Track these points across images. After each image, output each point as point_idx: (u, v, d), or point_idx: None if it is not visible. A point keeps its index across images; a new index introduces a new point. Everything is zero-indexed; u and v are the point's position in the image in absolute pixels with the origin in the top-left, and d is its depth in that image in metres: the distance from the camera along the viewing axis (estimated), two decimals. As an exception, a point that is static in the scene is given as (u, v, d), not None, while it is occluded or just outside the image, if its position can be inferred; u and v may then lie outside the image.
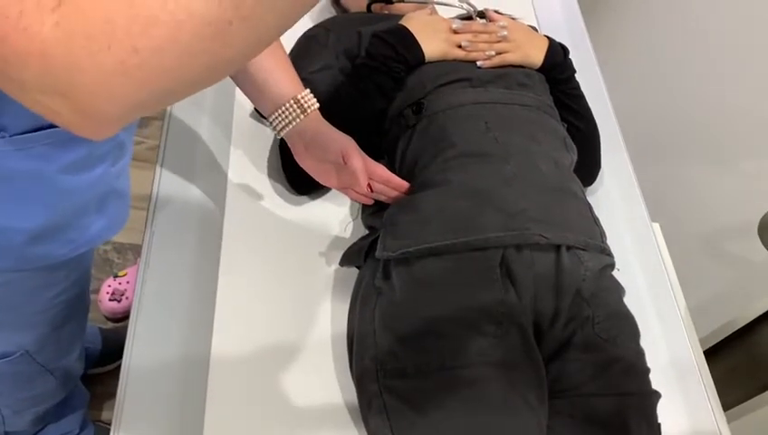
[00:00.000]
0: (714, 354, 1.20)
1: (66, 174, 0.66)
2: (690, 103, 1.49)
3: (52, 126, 0.60)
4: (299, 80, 0.90)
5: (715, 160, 1.41)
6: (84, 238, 0.77)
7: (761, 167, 1.28)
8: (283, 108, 0.87)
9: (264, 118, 0.92)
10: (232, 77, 0.90)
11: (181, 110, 1.10)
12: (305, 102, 0.88)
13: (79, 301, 0.96)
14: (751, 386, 1.06)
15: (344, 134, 0.90)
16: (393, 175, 0.92)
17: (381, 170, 0.91)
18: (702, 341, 1.10)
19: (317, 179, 0.94)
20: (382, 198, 0.94)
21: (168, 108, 1.08)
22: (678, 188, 1.51)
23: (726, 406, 1.06)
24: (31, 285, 0.82)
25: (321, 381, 0.86)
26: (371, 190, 0.91)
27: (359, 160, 0.87)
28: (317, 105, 0.90)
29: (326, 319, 0.92)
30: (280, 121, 0.89)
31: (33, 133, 0.60)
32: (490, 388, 0.74)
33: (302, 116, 0.88)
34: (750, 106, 1.31)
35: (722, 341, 1.19)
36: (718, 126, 1.40)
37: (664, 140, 1.58)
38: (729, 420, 0.99)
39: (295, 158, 0.92)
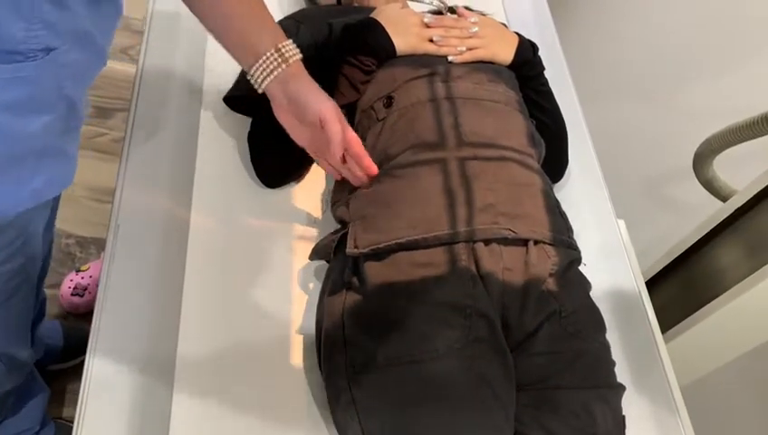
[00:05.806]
0: (654, 283, 1.28)
1: (5, 114, 0.62)
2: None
3: None
4: (281, 30, 0.87)
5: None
6: (23, 193, 0.71)
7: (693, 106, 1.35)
8: (264, 58, 0.84)
9: (240, 95, 0.87)
10: (211, 30, 0.86)
11: (147, 101, 1.08)
12: (287, 52, 0.85)
13: (24, 273, 0.90)
14: (686, 308, 1.13)
15: (327, 96, 0.87)
16: (366, 155, 0.89)
17: (357, 145, 0.88)
18: (644, 273, 1.17)
19: (291, 136, 0.91)
20: (348, 175, 0.93)
21: (134, 99, 1.06)
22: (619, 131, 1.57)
23: (665, 328, 1.12)
24: None
25: (289, 375, 0.86)
26: (344, 162, 0.89)
27: (336, 126, 0.84)
28: (299, 55, 0.87)
29: (294, 313, 0.91)
30: (261, 73, 0.85)
31: None
32: (458, 380, 0.74)
33: (283, 66, 0.84)
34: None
35: (661, 270, 1.27)
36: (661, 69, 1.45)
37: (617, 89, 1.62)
38: (667, 341, 1.04)
39: (274, 111, 0.89)
